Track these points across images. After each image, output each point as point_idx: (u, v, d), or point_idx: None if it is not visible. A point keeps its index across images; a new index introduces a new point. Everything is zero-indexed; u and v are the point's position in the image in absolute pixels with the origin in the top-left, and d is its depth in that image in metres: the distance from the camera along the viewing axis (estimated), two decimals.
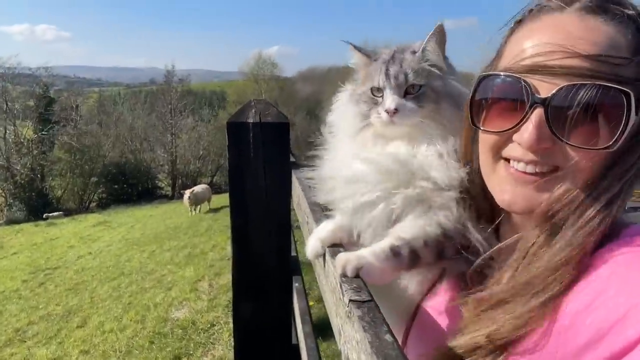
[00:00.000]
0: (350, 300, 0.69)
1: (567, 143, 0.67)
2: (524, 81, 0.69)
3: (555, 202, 0.71)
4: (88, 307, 8.02)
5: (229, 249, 7.24)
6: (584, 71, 0.64)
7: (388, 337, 0.59)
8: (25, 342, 6.98)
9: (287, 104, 38.18)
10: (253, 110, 1.90)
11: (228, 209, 1.83)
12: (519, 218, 0.82)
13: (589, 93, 0.63)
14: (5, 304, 9.03)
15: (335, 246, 0.97)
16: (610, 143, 0.65)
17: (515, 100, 0.71)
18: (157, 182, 35.46)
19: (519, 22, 0.78)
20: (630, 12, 0.68)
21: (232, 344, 1.91)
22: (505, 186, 0.77)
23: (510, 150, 0.76)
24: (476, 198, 0.89)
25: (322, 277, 1.02)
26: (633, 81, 0.65)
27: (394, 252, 0.85)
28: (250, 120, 1.85)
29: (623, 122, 0.64)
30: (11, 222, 24.20)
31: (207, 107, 46.18)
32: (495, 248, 0.82)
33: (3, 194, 28.50)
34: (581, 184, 0.69)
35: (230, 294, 4.19)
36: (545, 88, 0.68)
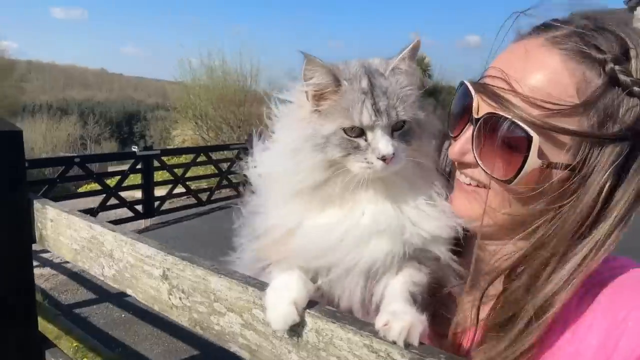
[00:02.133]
0: None
1: (478, 164, 0.71)
2: (473, 97, 0.72)
3: (485, 215, 0.74)
4: None
5: None
6: (511, 105, 0.66)
7: None
8: None
9: None
10: None
11: None
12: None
13: (503, 126, 0.66)
14: None
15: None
16: (509, 178, 0.68)
17: (466, 112, 0.76)
18: None
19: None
20: (601, 56, 0.64)
21: None
22: (454, 193, 0.81)
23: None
24: None
25: (289, 354, 0.72)
26: (561, 131, 0.64)
27: (414, 298, 0.74)
28: None
29: (522, 161, 0.66)
30: None
31: None
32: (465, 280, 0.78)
33: None
34: (505, 206, 0.72)
35: None
36: (484, 109, 0.70)
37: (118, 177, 8.84)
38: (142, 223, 8.78)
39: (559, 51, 0.66)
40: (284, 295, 0.71)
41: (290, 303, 0.70)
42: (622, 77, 0.62)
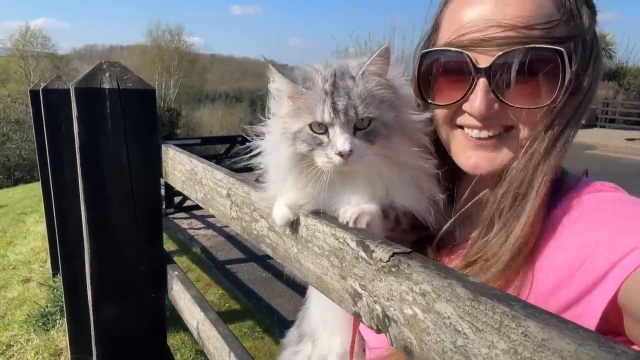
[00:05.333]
0: (394, 254, 0.65)
1: (512, 106, 0.72)
2: (467, 55, 0.73)
3: (513, 158, 0.76)
4: None
5: (11, 256, 6.25)
6: (517, 39, 0.69)
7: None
8: None
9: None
10: (107, 74, 1.59)
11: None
12: (479, 178, 0.83)
13: (524, 57, 0.68)
14: None
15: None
16: (552, 99, 0.70)
17: (460, 73, 0.75)
18: None
19: None
20: None
21: None
22: (468, 152, 0.81)
23: (463, 119, 0.80)
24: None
25: (292, 247, 0.91)
26: (564, 40, 0.70)
27: (385, 213, 0.84)
28: (107, 86, 1.57)
29: (560, 78, 0.69)
30: None
31: None
32: (460, 212, 0.84)
33: None
34: (533, 137, 0.74)
35: (25, 308, 3.86)
36: (485, 59, 0.72)
37: None
38: None
39: None
40: (282, 202, 0.88)
41: (285, 206, 0.86)
42: None
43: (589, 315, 0.62)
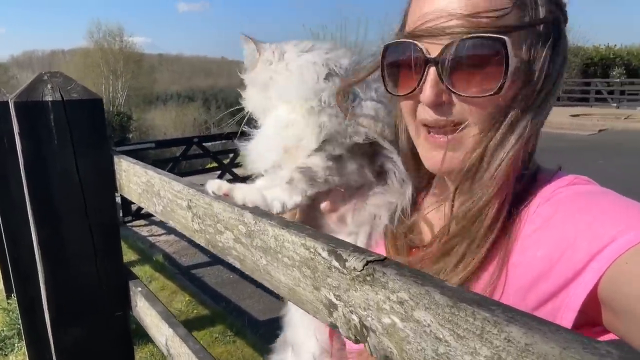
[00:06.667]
0: (368, 262, 0.63)
1: (459, 95, 0.73)
2: (419, 46, 0.75)
3: (470, 152, 0.75)
4: None
5: None
6: (464, 29, 0.70)
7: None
8: None
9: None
10: (49, 86, 1.51)
11: None
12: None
13: (468, 45, 0.69)
14: None
15: None
16: (497, 88, 0.70)
17: (415, 64, 0.76)
18: None
19: None
20: None
21: None
22: (430, 152, 0.82)
23: (421, 114, 0.80)
24: (406, 157, 0.91)
25: (261, 259, 0.90)
26: (511, 29, 0.70)
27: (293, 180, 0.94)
28: (49, 99, 1.49)
29: (504, 66, 0.69)
30: None
31: None
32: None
33: None
34: (485, 130, 0.74)
35: None
36: (435, 49, 0.73)
37: (232, 155, 9.68)
38: None
39: None
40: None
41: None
42: None
43: (567, 309, 0.62)
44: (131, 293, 1.77)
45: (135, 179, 1.48)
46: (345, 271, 0.67)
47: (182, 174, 9.17)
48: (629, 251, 0.58)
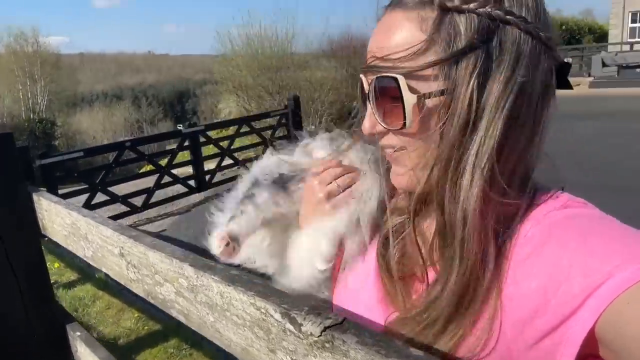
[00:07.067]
0: (326, 328, 0.58)
1: (385, 127, 0.76)
2: (363, 80, 0.79)
3: (413, 170, 0.76)
4: None
5: None
6: (379, 69, 0.74)
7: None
8: None
9: None
10: None
11: None
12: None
13: (377, 83, 0.74)
14: None
15: None
16: (402, 122, 0.73)
17: (360, 95, 0.82)
18: None
19: None
20: None
21: None
22: (393, 169, 0.83)
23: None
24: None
25: (208, 315, 0.83)
26: (419, 68, 0.70)
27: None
28: None
29: (401, 104, 0.72)
30: None
31: None
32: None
33: None
34: (423, 154, 0.74)
35: None
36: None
37: (169, 156, 9.24)
38: (197, 197, 9.22)
39: (399, 9, 0.73)
40: None
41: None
42: (448, 3, 0.68)
43: (568, 344, 0.60)
44: (70, 338, 1.63)
45: (59, 220, 1.34)
46: (301, 336, 0.61)
47: (117, 181, 8.70)
48: (627, 291, 0.56)
